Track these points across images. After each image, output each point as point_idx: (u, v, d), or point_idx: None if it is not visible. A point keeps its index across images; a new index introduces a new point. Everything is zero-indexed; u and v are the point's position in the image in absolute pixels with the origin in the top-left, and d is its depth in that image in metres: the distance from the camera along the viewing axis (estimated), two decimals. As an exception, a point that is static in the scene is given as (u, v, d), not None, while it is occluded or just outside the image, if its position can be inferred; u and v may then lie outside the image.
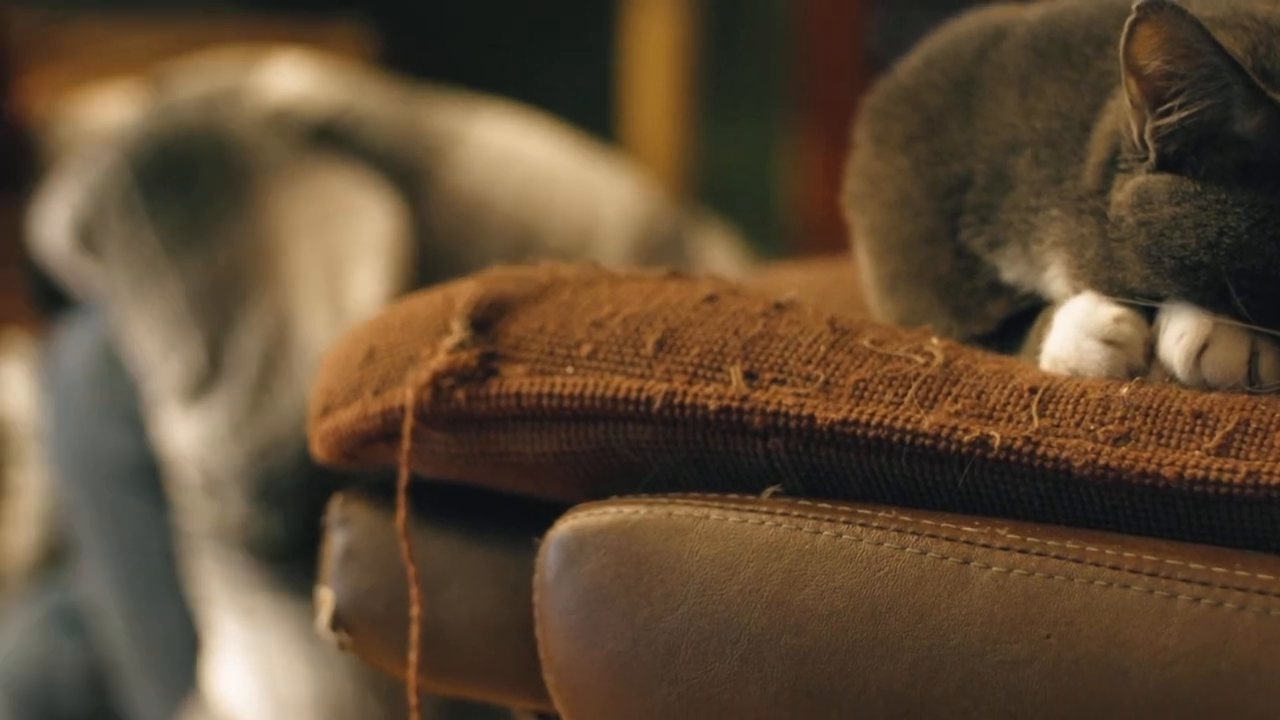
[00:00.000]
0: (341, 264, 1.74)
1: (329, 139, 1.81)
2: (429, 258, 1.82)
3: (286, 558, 1.71)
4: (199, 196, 1.72)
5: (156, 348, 1.72)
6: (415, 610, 1.04)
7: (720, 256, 1.99)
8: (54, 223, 1.79)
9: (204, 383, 1.70)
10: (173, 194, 1.72)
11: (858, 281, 1.15)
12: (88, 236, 1.75)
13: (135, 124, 1.79)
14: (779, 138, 3.22)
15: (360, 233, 1.78)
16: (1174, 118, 0.94)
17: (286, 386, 1.70)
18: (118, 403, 1.79)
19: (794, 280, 1.26)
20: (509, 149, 1.92)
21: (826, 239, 3.06)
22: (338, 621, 1.09)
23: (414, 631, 1.04)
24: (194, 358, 1.71)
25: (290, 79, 1.87)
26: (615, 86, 2.99)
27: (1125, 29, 0.93)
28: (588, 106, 2.79)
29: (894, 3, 3.34)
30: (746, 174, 3.21)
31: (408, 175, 1.85)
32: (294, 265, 1.73)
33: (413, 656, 1.04)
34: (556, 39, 3.21)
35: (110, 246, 1.74)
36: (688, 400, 0.98)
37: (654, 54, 2.86)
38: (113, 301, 1.76)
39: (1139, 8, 0.92)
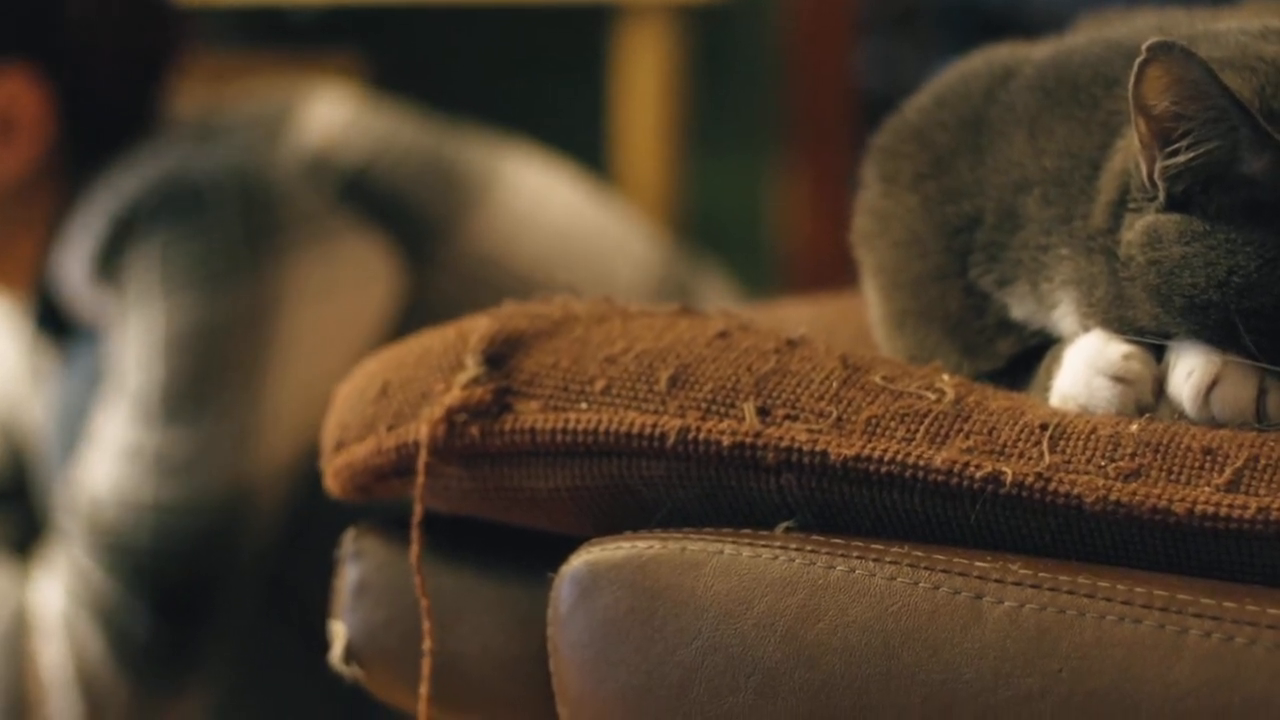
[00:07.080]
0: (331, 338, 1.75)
1: (358, 191, 1.81)
2: (427, 317, 1.84)
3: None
4: (216, 244, 1.73)
5: (130, 358, 1.73)
6: (426, 644, 1.05)
7: (719, 299, 1.99)
8: (74, 252, 1.79)
9: (167, 411, 1.71)
10: (191, 234, 1.73)
11: (863, 316, 1.16)
12: (105, 263, 1.76)
13: (172, 160, 1.78)
14: (768, 172, 3.23)
15: (359, 308, 1.78)
16: (1182, 158, 0.94)
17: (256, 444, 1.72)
18: None
19: (800, 315, 1.27)
20: (531, 208, 1.91)
21: (815, 273, 3.07)
22: (350, 655, 1.10)
23: (425, 665, 1.05)
24: (158, 385, 1.71)
25: (330, 114, 1.86)
26: (604, 120, 3.00)
27: (1134, 69, 0.93)
28: (577, 140, 2.79)
29: (883, 38, 3.36)
30: (735, 208, 3.21)
31: (426, 230, 1.84)
32: (288, 331, 1.74)
33: (423, 689, 1.05)
34: (546, 73, 3.22)
35: (122, 273, 1.75)
36: (701, 436, 0.98)
37: (643, 88, 2.86)
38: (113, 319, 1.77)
39: (1149, 48, 0.92)
